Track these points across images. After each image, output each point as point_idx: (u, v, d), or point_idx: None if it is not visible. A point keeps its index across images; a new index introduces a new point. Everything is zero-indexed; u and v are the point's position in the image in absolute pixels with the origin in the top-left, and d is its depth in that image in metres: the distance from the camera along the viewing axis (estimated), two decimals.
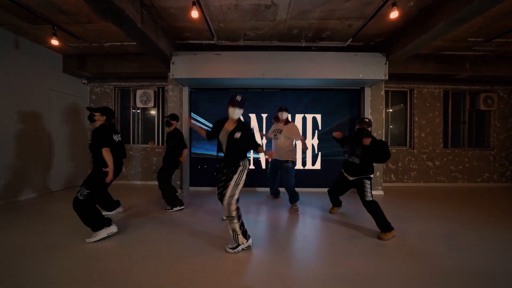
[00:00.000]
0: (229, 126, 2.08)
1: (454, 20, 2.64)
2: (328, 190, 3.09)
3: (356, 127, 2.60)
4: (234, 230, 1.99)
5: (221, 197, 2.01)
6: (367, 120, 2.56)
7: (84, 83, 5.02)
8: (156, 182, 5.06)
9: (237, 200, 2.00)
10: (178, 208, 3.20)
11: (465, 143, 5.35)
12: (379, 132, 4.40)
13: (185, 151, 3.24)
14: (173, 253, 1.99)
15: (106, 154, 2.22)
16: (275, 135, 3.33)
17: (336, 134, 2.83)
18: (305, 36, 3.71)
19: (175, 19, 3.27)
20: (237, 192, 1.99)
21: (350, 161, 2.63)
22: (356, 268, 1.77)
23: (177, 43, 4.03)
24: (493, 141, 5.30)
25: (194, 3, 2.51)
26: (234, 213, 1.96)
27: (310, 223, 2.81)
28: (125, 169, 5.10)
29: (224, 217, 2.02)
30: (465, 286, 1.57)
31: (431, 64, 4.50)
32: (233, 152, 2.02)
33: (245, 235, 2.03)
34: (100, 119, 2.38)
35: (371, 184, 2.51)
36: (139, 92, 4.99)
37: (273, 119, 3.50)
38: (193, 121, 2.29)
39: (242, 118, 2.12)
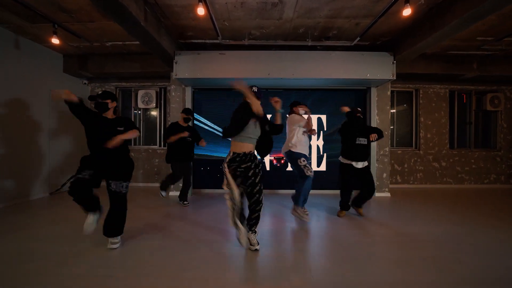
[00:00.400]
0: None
1: (468, 18, 2.57)
2: (341, 192, 3.03)
3: (358, 115, 2.89)
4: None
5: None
6: (359, 109, 2.95)
7: (85, 83, 4.94)
8: (156, 184, 4.98)
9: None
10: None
11: (472, 143, 5.28)
12: (386, 133, 4.32)
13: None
14: (184, 260, 1.91)
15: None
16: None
17: (345, 108, 3.03)
18: (311, 35, 3.64)
19: (178, 17, 3.19)
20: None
21: (357, 144, 2.86)
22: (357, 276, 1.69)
23: (180, 43, 3.95)
24: (500, 141, 5.22)
25: (200, 0, 2.43)
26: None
27: (318, 225, 2.73)
28: None
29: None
30: None
31: (437, 63, 4.43)
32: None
33: None
34: (112, 106, 2.14)
35: None
36: (140, 93, 4.91)
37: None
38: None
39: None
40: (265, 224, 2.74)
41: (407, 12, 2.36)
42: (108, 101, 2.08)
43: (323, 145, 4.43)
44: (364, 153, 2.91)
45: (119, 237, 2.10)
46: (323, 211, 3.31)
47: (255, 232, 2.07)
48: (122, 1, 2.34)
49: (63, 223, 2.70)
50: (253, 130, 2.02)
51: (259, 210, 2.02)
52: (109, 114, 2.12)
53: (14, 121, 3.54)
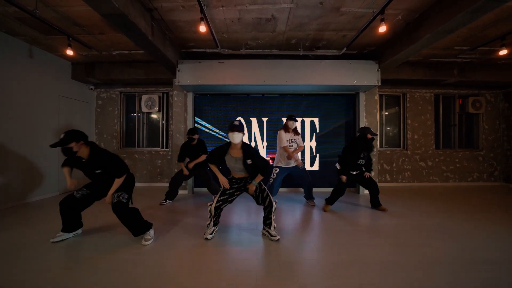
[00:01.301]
0: (235, 154, 2.30)
1: (439, 32, 2.90)
2: (334, 192, 3.40)
3: (368, 137, 3.16)
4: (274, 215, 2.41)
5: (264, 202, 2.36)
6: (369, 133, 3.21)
7: (91, 88, 5.23)
8: (162, 184, 5.26)
9: None
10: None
11: (456, 144, 5.62)
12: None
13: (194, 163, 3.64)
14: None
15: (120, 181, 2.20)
16: (291, 145, 3.48)
17: (343, 178, 3.25)
18: (302, 45, 3.97)
19: (182, 31, 3.51)
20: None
21: (357, 163, 3.27)
22: (353, 257, 1.99)
23: (182, 52, 4.26)
24: (482, 142, 5.57)
25: (202, 19, 2.75)
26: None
27: (318, 219, 3.03)
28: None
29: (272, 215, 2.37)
30: (452, 271, 1.79)
31: (421, 70, 4.78)
32: (254, 170, 2.32)
33: None
34: (79, 147, 2.03)
35: None
36: (144, 97, 5.21)
37: (283, 128, 3.52)
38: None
39: (242, 141, 2.31)
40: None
41: (382, 29, 2.69)
42: (72, 144, 1.98)
43: (316, 146, 4.74)
44: (360, 168, 3.37)
45: (149, 234, 2.28)
46: (318, 206, 3.61)
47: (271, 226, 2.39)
48: (132, 19, 2.65)
49: None
50: (234, 165, 2.35)
51: (271, 211, 2.36)
52: (83, 154, 2.09)
53: (27, 124, 3.82)
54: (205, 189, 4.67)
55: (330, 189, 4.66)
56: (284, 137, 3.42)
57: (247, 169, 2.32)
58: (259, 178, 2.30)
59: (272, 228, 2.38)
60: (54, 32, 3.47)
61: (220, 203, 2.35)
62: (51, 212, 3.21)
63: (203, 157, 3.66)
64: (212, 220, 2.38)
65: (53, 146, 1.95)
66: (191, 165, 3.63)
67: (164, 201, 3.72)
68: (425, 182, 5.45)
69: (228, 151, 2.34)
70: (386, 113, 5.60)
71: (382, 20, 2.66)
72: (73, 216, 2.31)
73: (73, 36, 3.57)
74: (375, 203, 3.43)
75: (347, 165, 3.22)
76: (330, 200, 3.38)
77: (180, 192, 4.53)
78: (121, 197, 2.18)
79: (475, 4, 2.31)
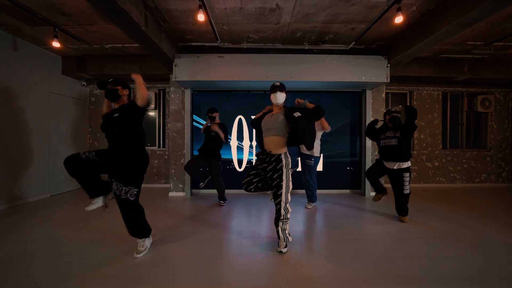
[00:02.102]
0: (275, 110, 2.17)
1: (457, 25, 2.67)
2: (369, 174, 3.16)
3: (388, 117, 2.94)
4: (284, 230, 2.08)
5: (276, 198, 2.06)
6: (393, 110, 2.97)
7: (84, 84, 4.96)
8: (159, 185, 5.03)
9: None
10: (224, 202, 3.65)
11: (463, 144, 5.44)
12: None
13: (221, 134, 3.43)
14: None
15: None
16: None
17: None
18: (308, 39, 3.72)
19: (178, 21, 3.25)
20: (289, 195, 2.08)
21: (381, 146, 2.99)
22: (367, 273, 1.79)
23: (179, 45, 4.00)
24: (490, 142, 5.39)
25: (200, 6, 2.50)
26: (289, 215, 2.08)
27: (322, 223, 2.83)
28: None
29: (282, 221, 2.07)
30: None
31: (430, 66, 4.56)
32: (301, 136, 1.99)
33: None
34: (124, 93, 1.99)
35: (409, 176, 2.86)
36: None
37: None
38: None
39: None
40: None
41: (399, 19, 2.46)
42: (119, 87, 1.96)
43: (320, 146, 4.52)
44: (388, 154, 2.92)
45: (143, 244, 2.02)
46: (320, 209, 3.40)
47: (280, 232, 2.09)
48: (123, 6, 2.38)
49: (66, 224, 2.74)
50: (271, 126, 2.15)
51: (278, 220, 2.08)
52: (123, 103, 2.00)
53: (13, 122, 3.55)
54: (204, 191, 4.45)
55: (336, 191, 4.52)
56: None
57: (282, 130, 2.05)
58: (313, 109, 2.14)
59: (281, 239, 2.09)
60: (39, 22, 3.18)
61: (245, 185, 2.17)
62: (38, 217, 2.97)
63: (221, 135, 3.42)
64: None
65: (100, 86, 2.00)
66: (215, 127, 3.39)
67: (223, 202, 3.65)
68: (432, 183, 5.27)
69: (265, 116, 2.20)
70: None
71: (399, 9, 2.42)
72: (87, 176, 1.89)
73: (60, 27, 3.29)
74: (398, 209, 2.94)
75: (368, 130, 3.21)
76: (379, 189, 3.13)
77: (177, 194, 4.30)
78: (129, 194, 1.88)
79: None
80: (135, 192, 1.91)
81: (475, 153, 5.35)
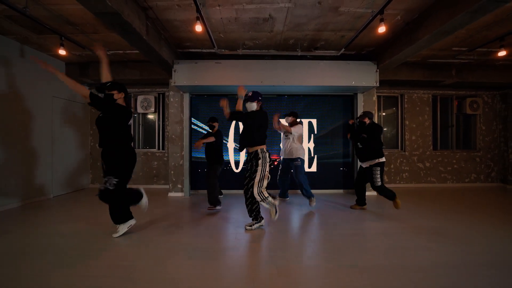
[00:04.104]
0: None
1: (438, 33, 2.87)
2: (355, 184, 3.57)
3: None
4: (271, 204, 2.54)
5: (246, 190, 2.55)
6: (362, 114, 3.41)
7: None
8: (158, 186, 5.18)
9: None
10: (218, 207, 3.51)
11: (453, 145, 5.62)
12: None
13: (211, 138, 3.41)
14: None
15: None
16: (286, 135, 3.67)
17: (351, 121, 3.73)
18: (300, 45, 3.92)
19: (177, 30, 3.44)
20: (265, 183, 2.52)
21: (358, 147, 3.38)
22: (352, 262, 1.94)
23: (178, 52, 4.19)
24: (479, 143, 5.58)
25: (198, 18, 2.68)
26: (265, 194, 2.51)
27: (317, 222, 2.98)
28: None
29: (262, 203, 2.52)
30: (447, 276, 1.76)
31: (419, 71, 4.76)
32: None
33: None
34: (119, 97, 2.24)
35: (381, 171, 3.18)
36: (139, 98, 5.12)
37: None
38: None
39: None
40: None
41: (382, 29, 2.65)
42: (114, 92, 2.21)
43: (314, 148, 4.70)
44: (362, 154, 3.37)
45: (120, 227, 2.36)
46: (314, 208, 3.56)
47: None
48: (126, 17, 2.57)
49: (72, 222, 2.89)
50: None
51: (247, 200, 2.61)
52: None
53: (19, 125, 3.71)
54: (203, 191, 4.60)
55: (329, 191, 4.68)
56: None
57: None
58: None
59: (253, 219, 2.66)
60: (46, 31, 3.37)
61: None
62: (36, 217, 3.13)
63: (211, 138, 3.42)
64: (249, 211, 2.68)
65: (98, 89, 2.29)
66: (199, 144, 3.34)
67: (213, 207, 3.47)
68: (423, 183, 5.44)
69: None
70: (384, 114, 5.57)
71: (382, 20, 2.62)
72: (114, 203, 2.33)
73: (66, 36, 3.48)
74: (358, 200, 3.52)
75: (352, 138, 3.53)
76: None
77: (176, 194, 4.46)
78: (107, 184, 2.12)
79: (475, 4, 2.27)
80: (114, 182, 2.13)
81: (465, 154, 5.53)
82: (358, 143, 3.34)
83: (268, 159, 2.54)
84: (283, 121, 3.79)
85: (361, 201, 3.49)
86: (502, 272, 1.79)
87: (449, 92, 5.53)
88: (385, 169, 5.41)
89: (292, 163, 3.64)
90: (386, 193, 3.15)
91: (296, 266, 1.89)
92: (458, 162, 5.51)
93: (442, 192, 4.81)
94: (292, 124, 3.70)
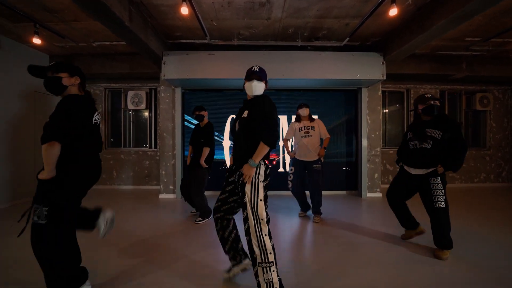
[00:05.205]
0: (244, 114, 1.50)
1: (455, 18, 2.57)
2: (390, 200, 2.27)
3: (420, 108, 2.03)
4: (269, 283, 1.33)
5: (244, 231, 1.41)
6: (429, 96, 1.99)
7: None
8: (150, 186, 4.90)
9: (268, 227, 1.39)
10: (207, 219, 2.87)
11: None
12: (377, 133, 4.32)
13: (207, 151, 2.78)
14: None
15: (53, 150, 1.21)
16: (306, 132, 2.91)
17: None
18: (300, 35, 3.61)
19: (165, 17, 3.13)
20: (264, 214, 1.38)
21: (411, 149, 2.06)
22: (358, 280, 1.66)
23: (168, 43, 3.88)
24: (490, 141, 5.28)
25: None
26: (271, 255, 1.35)
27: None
28: (116, 173, 4.92)
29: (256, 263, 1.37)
30: None
31: (427, 64, 4.45)
32: (242, 143, 1.46)
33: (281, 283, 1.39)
34: (72, 83, 1.39)
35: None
36: (130, 93, 4.82)
37: (295, 119, 3.08)
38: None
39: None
40: None
41: (393, 12, 2.35)
42: (63, 75, 1.36)
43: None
44: (421, 161, 2.04)
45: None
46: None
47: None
48: (104, 0, 2.27)
49: None
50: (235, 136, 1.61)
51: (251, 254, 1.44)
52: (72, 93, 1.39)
53: None
54: None
55: (331, 192, 4.39)
56: (290, 127, 3.03)
57: (238, 135, 1.50)
58: (260, 149, 1.37)
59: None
60: (21, 19, 3.07)
61: (219, 203, 1.55)
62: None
63: (206, 151, 2.78)
64: (222, 246, 1.58)
65: (33, 72, 1.37)
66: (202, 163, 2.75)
67: (201, 219, 2.85)
68: None
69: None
70: (386, 110, 5.26)
71: (393, 1, 2.31)
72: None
73: (43, 24, 3.17)
74: (438, 242, 2.00)
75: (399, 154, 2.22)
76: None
77: (167, 196, 4.17)
78: (35, 215, 1.24)
79: None
80: (45, 213, 1.24)
81: (474, 152, 5.24)
82: (413, 144, 2.05)
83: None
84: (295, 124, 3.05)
85: (411, 224, 2.24)
86: None
87: (458, 87, 5.22)
88: (390, 168, 5.12)
89: (311, 167, 2.89)
90: (447, 222, 1.95)
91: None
92: (467, 161, 5.21)
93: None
94: (309, 118, 3.01)
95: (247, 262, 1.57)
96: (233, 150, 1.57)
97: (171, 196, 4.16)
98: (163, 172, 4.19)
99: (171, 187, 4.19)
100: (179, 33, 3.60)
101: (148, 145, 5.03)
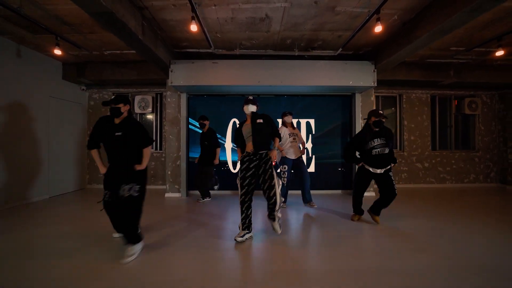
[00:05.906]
0: (248, 122, 2.46)
1: (435, 32, 2.85)
2: (355, 195, 2.96)
3: (372, 120, 2.66)
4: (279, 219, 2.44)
5: (270, 197, 2.30)
6: (381, 112, 2.68)
7: (83, 89, 5.12)
8: (156, 186, 5.16)
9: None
10: (207, 199, 4.02)
11: (452, 145, 5.60)
12: None
13: (218, 150, 3.85)
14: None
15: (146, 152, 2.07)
16: (293, 139, 3.53)
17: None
18: (298, 45, 3.91)
19: (174, 30, 3.43)
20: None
21: (373, 154, 2.68)
22: (348, 265, 1.92)
23: (175, 52, 4.18)
24: (478, 143, 5.56)
25: (193, 18, 2.67)
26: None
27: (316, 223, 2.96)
28: None
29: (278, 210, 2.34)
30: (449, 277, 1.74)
31: (417, 71, 4.74)
32: (261, 140, 2.36)
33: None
34: (125, 109, 2.06)
35: None
36: (137, 98, 5.11)
37: (281, 124, 3.64)
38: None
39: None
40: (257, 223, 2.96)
41: (378, 29, 2.64)
42: (121, 105, 2.01)
43: (312, 148, 4.68)
44: (380, 161, 2.71)
45: (135, 248, 1.98)
46: (314, 209, 3.54)
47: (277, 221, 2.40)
48: (121, 17, 2.56)
49: (67, 223, 2.87)
50: (248, 134, 2.45)
51: (274, 209, 2.33)
52: (122, 116, 2.06)
53: (15, 126, 3.70)
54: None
55: (327, 191, 4.66)
56: (284, 131, 3.50)
57: (257, 135, 2.37)
58: (276, 141, 2.50)
59: (276, 220, 2.37)
60: (42, 31, 3.36)
61: (243, 197, 2.33)
62: (32, 219, 3.11)
63: (218, 151, 3.84)
64: (241, 221, 2.36)
65: (104, 104, 2.03)
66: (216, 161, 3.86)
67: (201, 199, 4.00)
68: (422, 184, 5.41)
69: (243, 125, 2.51)
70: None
71: (378, 20, 2.60)
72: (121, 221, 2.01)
73: (62, 35, 3.47)
74: (374, 208, 2.85)
75: (346, 157, 2.91)
76: (357, 210, 3.00)
77: (173, 195, 4.43)
78: (132, 191, 1.92)
79: (472, 3, 2.26)
80: (137, 188, 1.97)
81: (464, 154, 5.51)
82: (378, 149, 2.67)
83: None
84: (283, 128, 3.57)
85: (360, 210, 3.01)
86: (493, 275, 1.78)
87: (448, 92, 5.51)
88: None
89: (299, 160, 3.51)
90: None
91: (290, 268, 1.87)
92: (457, 162, 5.49)
93: (441, 192, 4.79)
94: (292, 125, 3.67)
95: (252, 233, 2.43)
96: (254, 143, 2.37)
97: (177, 195, 4.42)
98: (169, 172, 4.45)
99: (176, 186, 4.45)
100: (185, 43, 3.89)
101: (154, 147, 5.29)
